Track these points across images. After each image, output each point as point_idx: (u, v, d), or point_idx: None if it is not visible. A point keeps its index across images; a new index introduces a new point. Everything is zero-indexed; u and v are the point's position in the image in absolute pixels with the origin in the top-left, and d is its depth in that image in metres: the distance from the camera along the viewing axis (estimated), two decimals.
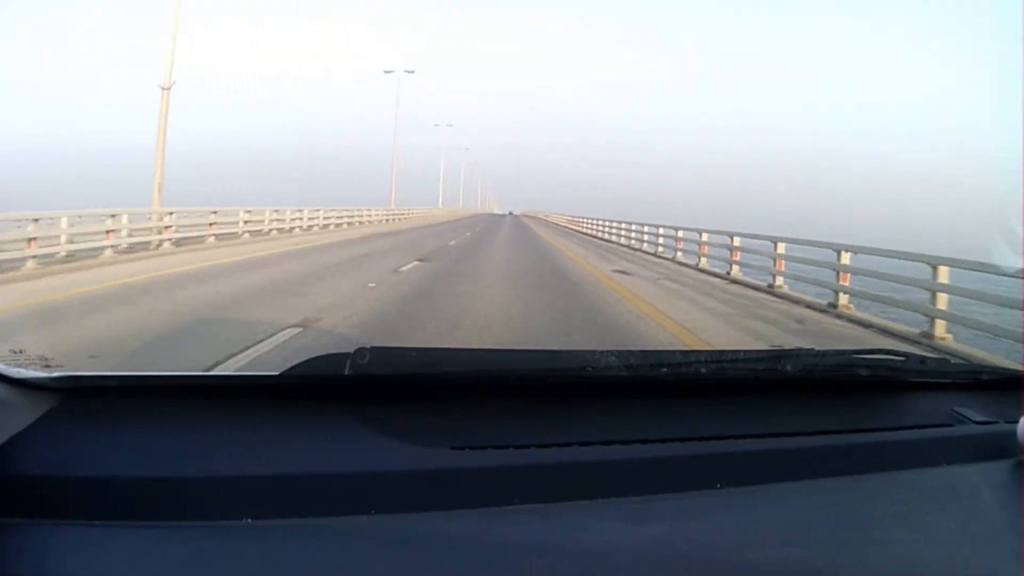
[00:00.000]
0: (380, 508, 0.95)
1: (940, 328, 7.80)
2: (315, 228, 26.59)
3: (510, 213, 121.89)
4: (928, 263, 8.13)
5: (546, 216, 77.45)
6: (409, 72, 53.46)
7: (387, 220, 40.80)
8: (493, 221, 57.50)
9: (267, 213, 23.06)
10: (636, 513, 1.00)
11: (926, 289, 8.14)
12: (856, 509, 1.09)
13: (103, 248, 13.52)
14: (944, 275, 7.89)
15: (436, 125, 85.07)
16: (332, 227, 28.56)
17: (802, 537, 0.99)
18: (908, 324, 8.67)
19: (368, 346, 1.14)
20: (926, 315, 8.13)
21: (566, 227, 48.24)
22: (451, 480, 1.02)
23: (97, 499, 0.93)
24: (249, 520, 0.92)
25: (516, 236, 31.65)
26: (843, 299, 9.93)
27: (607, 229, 31.44)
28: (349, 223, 32.01)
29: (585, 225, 40.44)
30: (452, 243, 22.55)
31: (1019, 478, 1.16)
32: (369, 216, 37.48)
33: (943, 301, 7.88)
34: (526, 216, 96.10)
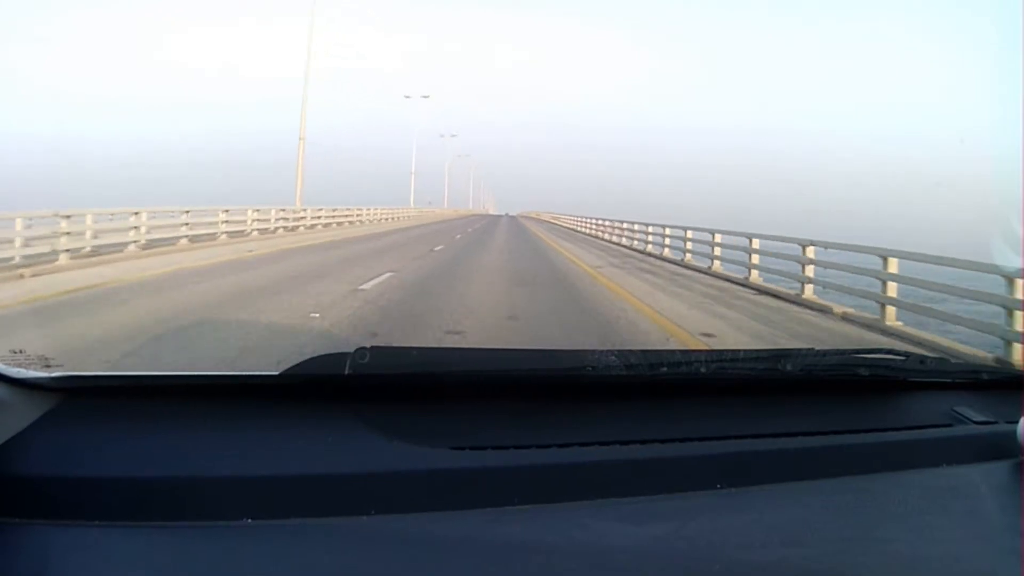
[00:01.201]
0: (380, 508, 0.95)
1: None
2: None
3: (506, 214, 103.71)
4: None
5: (554, 218, 59.05)
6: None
7: (267, 229, 21.77)
8: (483, 226, 39.58)
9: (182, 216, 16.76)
10: (636, 513, 1.00)
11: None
12: (856, 509, 1.09)
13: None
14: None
15: (407, 97, 60.25)
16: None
17: (802, 537, 0.99)
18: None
19: (368, 346, 1.14)
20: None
21: (594, 236, 31.37)
22: (451, 480, 1.02)
23: (97, 499, 0.93)
24: (249, 520, 0.91)
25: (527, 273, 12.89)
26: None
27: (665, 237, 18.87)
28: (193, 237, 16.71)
29: (617, 232, 26.33)
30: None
31: (1019, 478, 1.16)
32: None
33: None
34: (526, 218, 79.55)
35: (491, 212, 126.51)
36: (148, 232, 15.11)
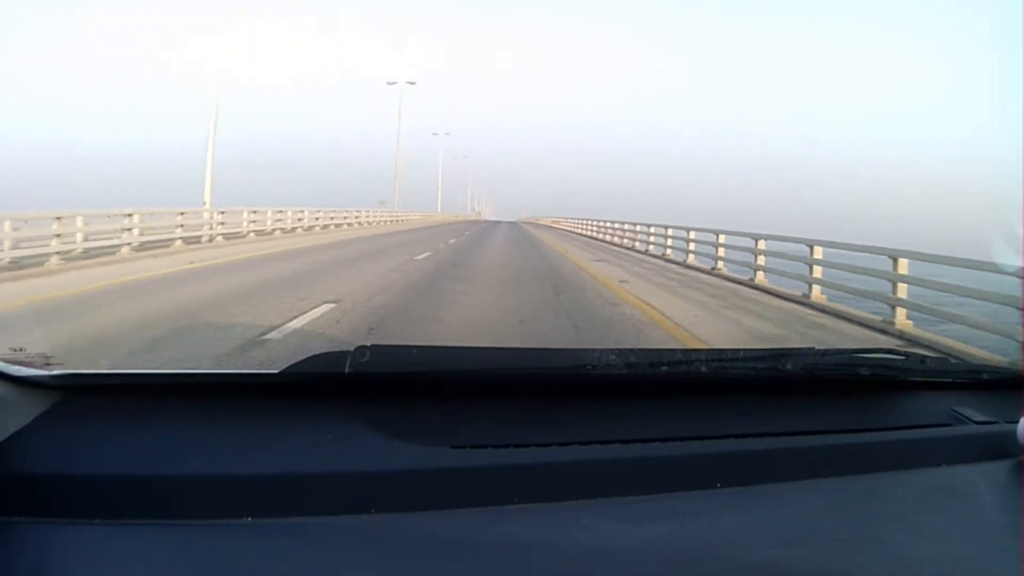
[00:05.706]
0: (380, 507, 0.95)
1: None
2: None
3: (507, 221, 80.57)
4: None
5: (583, 228, 38.31)
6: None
7: None
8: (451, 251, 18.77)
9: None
10: (636, 513, 1.00)
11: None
12: (856, 509, 1.09)
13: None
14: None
15: (391, 83, 51.27)
16: None
17: (802, 537, 0.99)
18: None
19: (368, 344, 1.14)
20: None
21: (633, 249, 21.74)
22: (451, 479, 1.02)
23: (97, 497, 0.93)
24: (249, 519, 0.91)
25: None
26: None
27: None
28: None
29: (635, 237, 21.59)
30: None
31: (1019, 478, 1.16)
32: None
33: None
34: (529, 224, 63.42)
35: (487, 218, 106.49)
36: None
